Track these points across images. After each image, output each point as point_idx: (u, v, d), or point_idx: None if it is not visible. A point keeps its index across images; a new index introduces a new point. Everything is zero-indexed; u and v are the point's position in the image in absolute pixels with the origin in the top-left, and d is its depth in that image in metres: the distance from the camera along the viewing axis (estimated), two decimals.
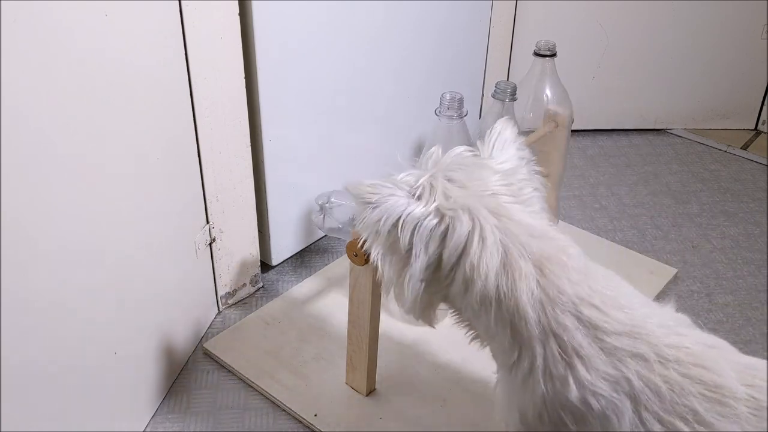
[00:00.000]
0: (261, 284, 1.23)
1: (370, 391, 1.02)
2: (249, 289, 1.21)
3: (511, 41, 1.57)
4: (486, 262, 0.65)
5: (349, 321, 0.97)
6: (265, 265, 1.25)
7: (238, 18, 0.99)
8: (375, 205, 0.68)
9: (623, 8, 1.57)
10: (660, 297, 1.22)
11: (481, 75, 1.54)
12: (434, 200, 0.67)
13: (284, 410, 1.01)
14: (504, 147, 0.73)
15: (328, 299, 1.19)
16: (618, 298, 0.66)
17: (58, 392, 0.80)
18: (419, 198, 0.68)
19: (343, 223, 1.07)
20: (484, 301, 0.66)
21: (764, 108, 1.72)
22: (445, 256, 0.66)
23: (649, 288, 1.22)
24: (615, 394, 0.63)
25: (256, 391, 1.04)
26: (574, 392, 0.64)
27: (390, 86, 1.29)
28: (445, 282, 0.68)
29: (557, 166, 1.24)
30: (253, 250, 1.18)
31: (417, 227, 0.66)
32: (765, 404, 0.61)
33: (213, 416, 1.00)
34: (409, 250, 0.67)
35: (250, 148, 1.09)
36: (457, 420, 0.99)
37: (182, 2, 0.91)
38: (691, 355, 0.63)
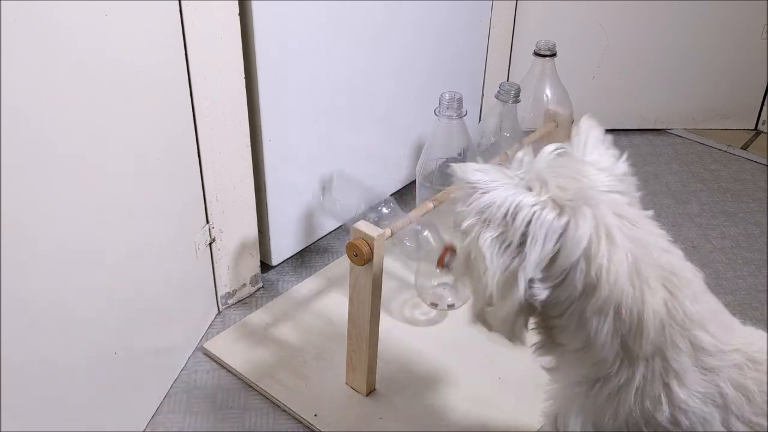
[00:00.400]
0: (261, 284, 1.23)
1: (370, 391, 1.02)
2: (249, 289, 1.21)
3: (511, 41, 1.57)
4: (616, 266, 0.60)
5: (349, 321, 0.97)
6: (265, 265, 1.25)
7: (238, 18, 0.99)
8: (484, 190, 0.63)
9: (623, 8, 1.57)
10: None
11: (481, 75, 1.54)
12: (546, 192, 0.62)
13: (284, 410, 1.01)
14: (596, 146, 0.69)
15: (328, 299, 1.19)
16: (724, 318, 0.65)
17: (58, 392, 0.80)
18: (530, 189, 0.63)
19: (342, 204, 1.05)
20: (601, 310, 0.61)
21: (764, 108, 1.72)
22: (563, 253, 0.60)
23: None
24: (705, 408, 0.62)
25: (256, 391, 1.04)
26: (665, 413, 0.62)
27: (390, 86, 1.29)
28: (553, 282, 0.62)
29: None
30: (253, 250, 1.18)
31: (534, 218, 0.60)
32: None
33: (213, 416, 1.00)
34: (521, 242, 0.61)
35: (250, 148, 1.09)
36: (457, 420, 0.99)
37: (182, 2, 0.91)
38: None
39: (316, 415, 0.99)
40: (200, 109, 0.99)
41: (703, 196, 1.51)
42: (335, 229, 1.34)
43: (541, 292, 0.63)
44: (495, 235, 0.62)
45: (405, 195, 1.41)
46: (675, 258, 0.64)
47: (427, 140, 1.04)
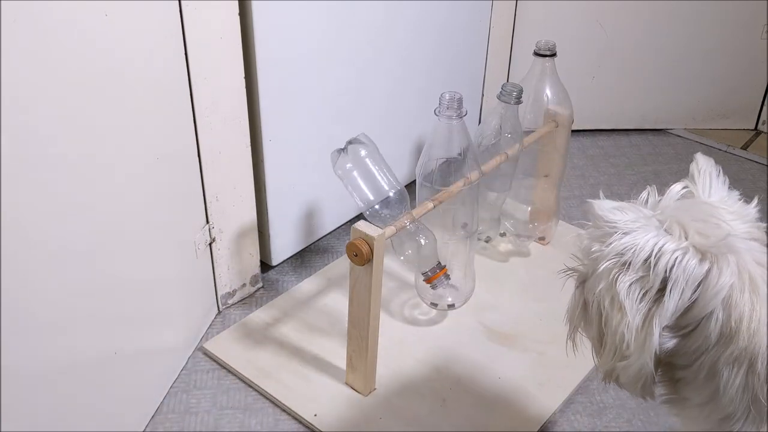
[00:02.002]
0: (261, 284, 1.23)
1: (370, 391, 1.02)
2: (249, 289, 1.21)
3: (511, 41, 1.57)
4: (759, 316, 0.57)
5: (349, 321, 0.97)
6: (265, 265, 1.25)
7: (238, 18, 0.99)
8: (625, 231, 0.61)
9: (623, 8, 1.57)
10: None
11: (481, 75, 1.54)
12: (686, 238, 0.60)
13: (284, 410, 1.01)
14: (721, 186, 0.67)
15: (328, 299, 1.19)
16: None
17: (58, 392, 0.80)
18: (669, 233, 0.60)
19: (348, 169, 1.04)
20: (735, 361, 0.58)
21: (764, 108, 1.72)
22: (702, 301, 0.58)
23: None
24: None
25: (256, 391, 1.04)
26: None
27: (390, 86, 1.29)
28: (684, 331, 0.60)
29: (557, 166, 1.24)
30: (253, 250, 1.18)
31: (676, 263, 0.58)
32: None
33: (213, 416, 1.00)
34: (661, 289, 0.59)
35: (250, 148, 1.09)
36: (457, 420, 0.99)
37: (182, 2, 0.91)
38: None
39: (316, 415, 0.99)
40: (200, 109, 0.99)
41: None
42: (335, 229, 1.34)
43: (668, 341, 0.61)
44: (635, 280, 0.60)
45: None
46: None
47: (427, 140, 1.04)
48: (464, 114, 1.01)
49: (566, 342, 0.69)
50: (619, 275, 0.60)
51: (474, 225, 1.12)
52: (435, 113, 1.01)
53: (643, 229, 0.60)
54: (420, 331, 1.13)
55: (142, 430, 0.98)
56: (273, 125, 1.11)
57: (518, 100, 1.10)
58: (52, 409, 0.80)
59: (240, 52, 1.01)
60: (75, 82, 0.74)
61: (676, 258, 0.58)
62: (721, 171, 0.68)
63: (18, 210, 0.69)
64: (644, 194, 0.66)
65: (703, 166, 0.68)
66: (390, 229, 0.93)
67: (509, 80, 1.60)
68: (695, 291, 0.58)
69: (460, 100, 1.00)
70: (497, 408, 1.01)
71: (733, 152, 1.67)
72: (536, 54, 1.18)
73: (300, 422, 0.99)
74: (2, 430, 0.72)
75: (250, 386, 1.04)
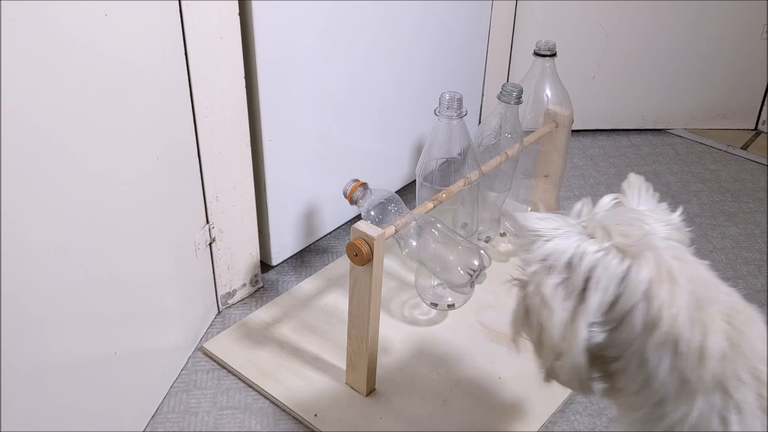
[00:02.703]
0: (261, 284, 1.23)
1: (370, 391, 1.02)
2: (249, 289, 1.21)
3: (511, 41, 1.57)
4: (678, 302, 0.62)
5: (349, 321, 0.97)
6: (265, 265, 1.25)
7: (238, 18, 0.99)
8: (547, 237, 0.66)
9: (623, 8, 1.57)
10: None
11: (481, 75, 1.54)
12: (609, 239, 0.64)
13: (284, 410, 1.01)
14: (649, 198, 0.72)
15: (328, 299, 1.19)
16: None
17: (58, 392, 0.80)
18: (592, 237, 0.66)
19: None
20: (662, 347, 0.62)
21: (764, 108, 1.72)
22: (625, 295, 0.63)
23: None
24: None
25: (256, 391, 1.04)
26: None
27: (390, 86, 1.29)
28: (611, 325, 0.64)
29: (557, 166, 1.24)
30: (253, 250, 1.18)
31: (598, 264, 0.63)
32: None
33: (213, 416, 1.00)
34: (584, 288, 0.64)
35: (250, 148, 1.09)
36: (457, 420, 0.99)
37: (182, 2, 0.91)
38: None
39: (316, 415, 0.99)
40: (200, 109, 0.99)
41: (703, 196, 1.51)
42: (335, 229, 1.34)
43: (598, 336, 0.65)
44: (558, 282, 0.65)
45: (405, 195, 1.41)
46: (736, 297, 0.65)
47: (427, 140, 1.04)
48: (464, 114, 1.01)
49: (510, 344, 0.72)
50: (544, 279, 0.65)
51: (474, 225, 1.12)
52: (435, 113, 1.01)
53: (565, 235, 0.66)
54: (420, 331, 1.13)
55: (142, 430, 0.98)
56: (273, 125, 1.11)
57: (518, 100, 1.10)
58: (52, 409, 0.80)
59: (240, 52, 1.01)
60: (74, 83, 0.74)
61: (598, 258, 0.63)
62: (651, 187, 0.73)
63: (18, 210, 0.69)
64: (578, 205, 0.70)
65: (634, 182, 0.73)
66: (390, 229, 0.93)
67: (509, 80, 1.60)
68: (618, 287, 0.63)
69: (460, 100, 1.00)
70: (497, 408, 1.01)
71: (733, 152, 1.67)
72: (536, 54, 1.18)
73: (300, 422, 0.99)
74: (2, 430, 0.72)
75: (250, 386, 1.04)
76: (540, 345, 0.69)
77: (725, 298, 0.64)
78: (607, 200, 0.71)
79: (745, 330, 0.62)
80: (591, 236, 0.66)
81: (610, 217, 0.68)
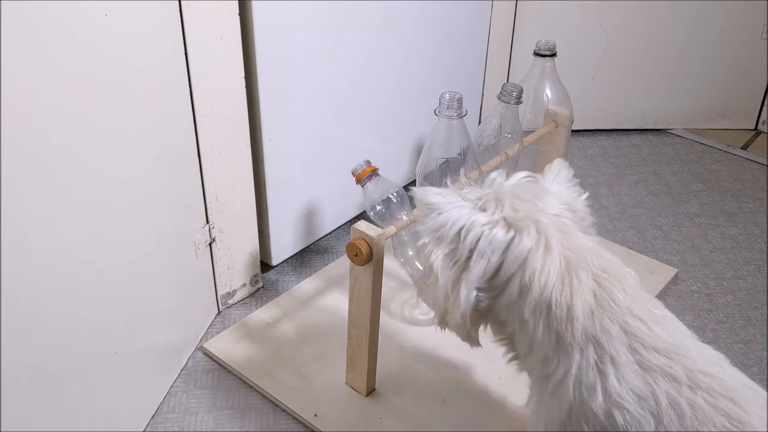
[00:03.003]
0: (261, 284, 1.23)
1: (370, 391, 1.02)
2: (249, 289, 1.21)
3: (511, 41, 1.57)
4: (549, 270, 0.66)
5: (349, 321, 0.97)
6: (265, 265, 1.25)
7: (238, 18, 0.99)
8: (440, 211, 0.71)
9: (623, 8, 1.57)
10: (660, 297, 1.22)
11: (481, 75, 1.54)
12: (500, 212, 0.69)
13: (284, 410, 1.01)
14: (563, 181, 0.76)
15: (328, 299, 1.19)
16: (665, 320, 0.68)
17: (58, 392, 0.80)
18: (484, 210, 0.70)
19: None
20: (536, 309, 0.67)
21: (764, 108, 1.72)
22: (506, 264, 0.68)
23: (649, 288, 1.22)
24: (641, 411, 0.64)
25: (256, 391, 1.04)
26: (600, 402, 0.65)
27: (390, 86, 1.29)
28: (496, 291, 0.70)
29: None
30: (253, 250, 1.18)
31: (482, 235, 0.68)
32: None
33: (213, 416, 1.00)
34: (468, 258, 0.69)
35: (250, 148, 1.09)
36: (457, 420, 0.99)
37: (182, 2, 0.91)
38: (724, 387, 0.64)
39: (316, 415, 0.99)
40: (200, 109, 0.99)
41: (703, 196, 1.51)
42: (335, 229, 1.34)
43: (483, 301, 0.70)
44: (446, 252, 0.70)
45: None
46: (611, 261, 0.70)
47: (427, 140, 1.04)
48: (464, 114, 1.01)
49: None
50: (433, 249, 0.70)
51: None
52: (435, 113, 1.01)
53: (458, 208, 0.70)
54: (420, 331, 1.13)
55: (142, 430, 0.98)
56: (273, 125, 1.11)
57: (518, 101, 1.10)
58: (52, 409, 0.80)
59: (240, 52, 1.01)
60: (74, 83, 0.74)
61: (484, 231, 0.68)
62: (571, 173, 0.78)
63: (17, 210, 0.69)
64: (494, 174, 0.74)
65: (555, 165, 0.77)
66: (390, 229, 0.93)
67: (509, 80, 1.60)
68: (501, 257, 0.68)
69: (460, 100, 1.00)
70: (497, 408, 1.01)
71: (733, 152, 1.67)
72: (536, 54, 1.18)
73: (300, 422, 0.99)
74: (2, 430, 0.72)
75: (250, 386, 1.04)
76: (432, 304, 0.75)
77: (597, 261, 0.68)
78: (519, 176, 0.75)
79: (608, 286, 0.67)
80: (483, 209, 0.70)
81: (509, 191, 0.72)
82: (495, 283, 0.69)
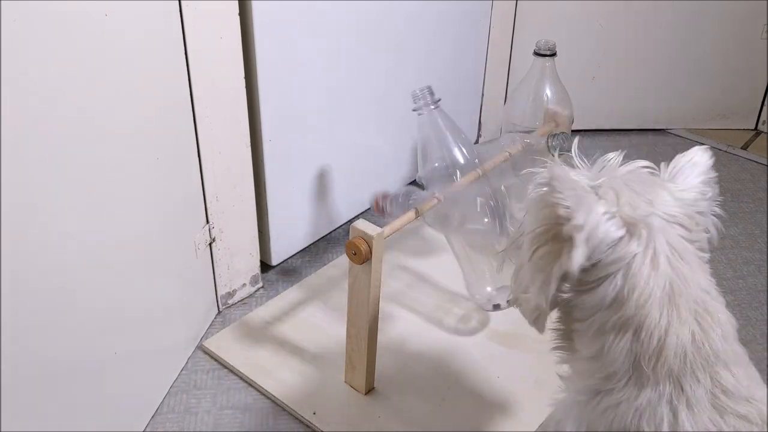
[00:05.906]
0: (261, 284, 1.23)
1: (369, 390, 1.02)
2: (249, 289, 1.21)
3: (511, 41, 1.57)
4: (652, 291, 0.61)
5: (348, 320, 0.97)
6: (265, 265, 1.25)
7: (238, 18, 0.99)
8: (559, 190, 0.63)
9: (623, 8, 1.57)
10: None
11: (481, 75, 1.54)
12: (617, 205, 0.62)
13: (284, 408, 1.01)
14: (691, 174, 0.68)
15: (327, 299, 1.19)
16: (751, 370, 0.64)
17: (58, 392, 0.80)
18: (601, 197, 0.63)
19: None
20: (623, 326, 0.62)
21: (764, 108, 1.72)
22: (604, 263, 0.62)
23: None
24: None
25: (256, 390, 1.04)
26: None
27: (390, 86, 1.30)
28: (584, 287, 0.63)
29: None
30: (253, 250, 1.18)
31: (597, 225, 0.61)
32: None
33: (213, 416, 1.00)
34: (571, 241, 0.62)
35: (250, 148, 1.09)
36: (456, 419, 0.99)
37: (182, 2, 0.91)
38: None
39: (315, 414, 0.99)
40: (200, 109, 0.99)
41: None
42: (335, 229, 1.34)
43: (568, 293, 0.64)
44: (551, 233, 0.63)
45: None
46: (713, 300, 0.64)
47: (419, 140, 1.05)
48: (438, 100, 1.03)
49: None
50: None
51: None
52: (416, 113, 1.03)
53: (580, 194, 0.62)
54: (420, 330, 1.13)
55: (142, 430, 0.98)
56: (273, 125, 1.11)
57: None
58: (52, 409, 0.80)
59: (240, 52, 1.01)
60: (74, 83, 0.74)
61: (600, 221, 0.61)
62: (707, 169, 0.69)
63: (17, 210, 0.69)
64: (611, 155, 0.68)
65: (690, 154, 0.69)
66: (389, 228, 0.93)
67: (509, 80, 1.60)
68: (603, 254, 0.61)
69: (429, 89, 1.02)
70: (497, 408, 1.01)
71: (733, 152, 1.67)
72: (536, 54, 1.18)
73: (300, 421, 0.99)
74: (2, 430, 0.72)
75: (250, 385, 1.05)
76: (516, 276, 0.70)
77: (702, 297, 0.63)
78: (640, 164, 0.67)
79: (709, 331, 0.61)
80: (600, 197, 0.63)
81: (629, 183, 0.65)
82: (586, 279, 0.63)
